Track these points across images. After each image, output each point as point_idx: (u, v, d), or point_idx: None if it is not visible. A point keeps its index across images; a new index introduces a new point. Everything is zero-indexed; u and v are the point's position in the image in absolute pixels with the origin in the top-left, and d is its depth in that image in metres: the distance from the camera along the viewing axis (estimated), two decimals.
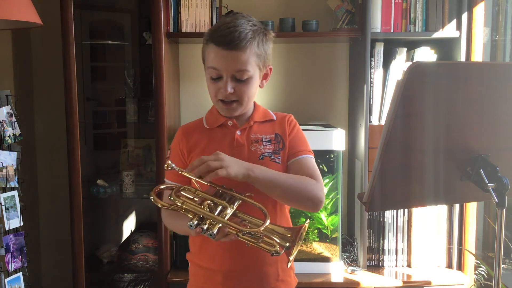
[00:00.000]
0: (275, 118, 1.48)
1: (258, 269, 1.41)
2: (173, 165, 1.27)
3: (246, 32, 1.32)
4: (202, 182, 1.25)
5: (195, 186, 1.31)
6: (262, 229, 1.20)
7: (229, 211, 1.23)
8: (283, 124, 1.46)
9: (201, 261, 1.45)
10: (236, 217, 1.25)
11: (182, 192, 1.28)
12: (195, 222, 1.21)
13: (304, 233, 1.24)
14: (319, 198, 1.35)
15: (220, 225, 1.20)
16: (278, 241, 1.22)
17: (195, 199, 1.27)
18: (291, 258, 1.21)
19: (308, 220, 1.34)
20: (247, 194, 1.28)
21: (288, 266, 1.26)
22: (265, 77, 1.43)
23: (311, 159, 1.43)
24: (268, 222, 1.21)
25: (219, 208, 1.23)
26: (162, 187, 1.36)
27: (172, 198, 1.25)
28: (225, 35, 1.30)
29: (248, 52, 1.32)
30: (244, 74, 1.34)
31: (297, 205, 1.42)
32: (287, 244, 1.22)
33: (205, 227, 1.20)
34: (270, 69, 1.44)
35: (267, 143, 1.42)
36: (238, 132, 1.42)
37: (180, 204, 1.24)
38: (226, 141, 1.41)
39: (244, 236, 1.22)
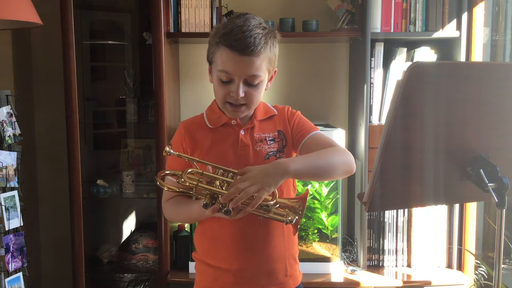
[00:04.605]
0: (276, 112, 1.48)
1: (267, 266, 1.42)
2: (171, 151, 1.30)
3: (260, 37, 1.30)
4: (204, 163, 1.30)
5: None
6: (273, 202, 1.26)
7: None
8: (283, 118, 1.47)
9: (210, 260, 1.45)
10: None
11: (189, 175, 1.29)
12: (208, 201, 1.24)
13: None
14: (350, 161, 1.37)
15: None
16: (290, 214, 1.28)
17: (201, 180, 1.29)
18: (299, 226, 1.29)
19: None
20: None
21: (295, 235, 1.35)
22: (270, 79, 1.43)
23: (321, 133, 1.45)
24: (277, 195, 1.27)
25: (226, 185, 1.27)
26: (167, 172, 1.37)
27: (183, 180, 1.27)
28: (240, 40, 1.28)
29: (262, 58, 1.32)
30: (256, 79, 1.34)
31: (335, 177, 1.42)
32: (296, 217, 1.28)
33: (220, 205, 1.23)
34: (275, 71, 1.44)
35: (271, 142, 1.43)
36: (242, 132, 1.42)
37: (191, 185, 1.27)
38: (230, 141, 1.42)
39: (256, 209, 1.26)
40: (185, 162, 1.36)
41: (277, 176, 1.23)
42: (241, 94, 1.34)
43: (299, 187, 2.12)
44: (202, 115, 1.49)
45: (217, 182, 1.27)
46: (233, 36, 1.29)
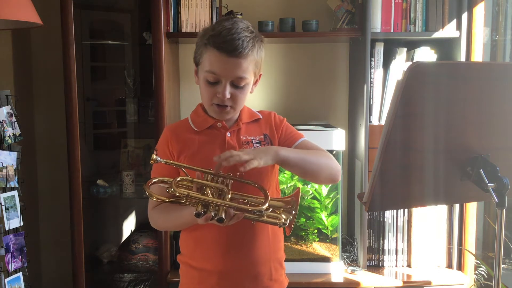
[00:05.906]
0: (261, 116, 1.50)
1: (252, 269, 1.42)
2: (158, 158, 1.29)
3: (248, 40, 1.33)
4: (195, 169, 1.29)
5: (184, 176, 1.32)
6: (265, 206, 1.25)
7: (230, 194, 1.26)
8: (269, 122, 1.49)
9: (195, 262, 1.45)
10: (236, 197, 1.28)
11: (179, 184, 1.29)
12: (200, 210, 1.23)
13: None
14: (337, 168, 1.42)
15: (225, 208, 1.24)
16: (283, 216, 1.28)
17: (191, 187, 1.28)
18: (293, 226, 1.30)
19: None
20: (238, 173, 1.30)
21: (289, 234, 1.33)
22: (255, 82, 1.44)
23: (309, 140, 1.49)
24: (269, 198, 1.26)
25: (219, 192, 1.27)
26: (155, 180, 1.35)
27: (173, 190, 1.26)
28: (229, 42, 1.30)
29: (249, 60, 1.34)
30: (242, 80, 1.35)
31: (319, 178, 1.44)
32: (290, 217, 1.28)
33: (213, 213, 1.22)
34: (260, 75, 1.45)
35: (258, 145, 1.43)
36: (228, 134, 1.43)
37: (182, 195, 1.25)
38: (217, 143, 1.42)
39: (249, 214, 1.26)
40: (172, 167, 1.36)
41: (268, 154, 1.28)
42: (227, 96, 1.35)
43: (294, 187, 2.13)
44: (187, 119, 1.50)
45: (208, 189, 1.26)
46: (222, 38, 1.31)
